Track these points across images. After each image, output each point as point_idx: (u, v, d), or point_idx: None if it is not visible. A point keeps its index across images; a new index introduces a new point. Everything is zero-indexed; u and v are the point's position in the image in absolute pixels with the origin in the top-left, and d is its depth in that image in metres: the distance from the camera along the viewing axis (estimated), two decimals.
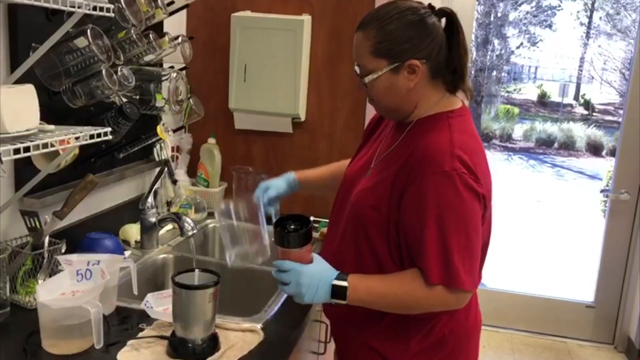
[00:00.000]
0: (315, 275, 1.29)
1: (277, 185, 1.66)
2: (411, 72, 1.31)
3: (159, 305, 1.45)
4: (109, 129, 1.37)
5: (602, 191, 5.81)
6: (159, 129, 1.90)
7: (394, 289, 1.31)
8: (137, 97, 1.84)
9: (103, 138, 1.36)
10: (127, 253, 1.83)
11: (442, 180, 1.25)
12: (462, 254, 1.26)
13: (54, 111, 1.60)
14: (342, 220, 1.46)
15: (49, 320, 1.24)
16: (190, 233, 1.70)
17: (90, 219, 1.85)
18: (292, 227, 1.32)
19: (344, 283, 1.29)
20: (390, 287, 1.31)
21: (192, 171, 2.42)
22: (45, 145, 1.17)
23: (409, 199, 1.29)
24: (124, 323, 1.41)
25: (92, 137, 1.32)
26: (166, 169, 2.12)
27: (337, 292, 1.29)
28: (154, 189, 1.90)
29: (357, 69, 1.37)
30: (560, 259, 5.54)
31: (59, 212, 1.51)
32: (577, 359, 3.20)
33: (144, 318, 1.42)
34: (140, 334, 1.34)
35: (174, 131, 2.11)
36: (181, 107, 1.89)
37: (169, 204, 2.17)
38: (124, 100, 1.77)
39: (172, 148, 2.36)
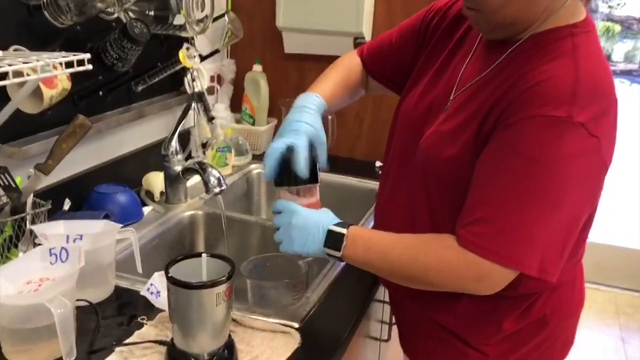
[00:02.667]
0: (311, 217, 0.99)
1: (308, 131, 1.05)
2: None
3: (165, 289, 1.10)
4: (86, 56, 0.99)
5: None
6: (182, 54, 1.50)
7: (399, 249, 0.97)
8: (152, 12, 1.44)
9: (77, 69, 0.98)
10: (147, 209, 1.50)
11: (547, 128, 0.86)
12: (531, 227, 0.88)
13: (35, 32, 1.23)
14: (411, 172, 1.08)
15: (7, 322, 0.91)
16: (216, 190, 1.32)
17: (104, 168, 1.51)
18: None
19: (342, 230, 0.98)
20: (397, 246, 0.97)
21: (236, 105, 2.03)
22: None
23: (493, 143, 0.91)
24: (120, 314, 1.07)
25: (55, 68, 0.93)
26: (199, 104, 1.75)
27: (332, 241, 0.98)
28: (178, 130, 1.52)
29: None
30: None
31: (42, 165, 1.17)
32: None
33: (148, 307, 1.08)
34: (135, 334, 1.00)
35: (205, 57, 1.70)
36: (204, 26, 1.47)
37: (204, 145, 1.80)
38: (132, 17, 1.37)
39: (212, 77, 1.97)
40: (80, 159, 1.44)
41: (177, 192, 1.54)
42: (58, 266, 0.97)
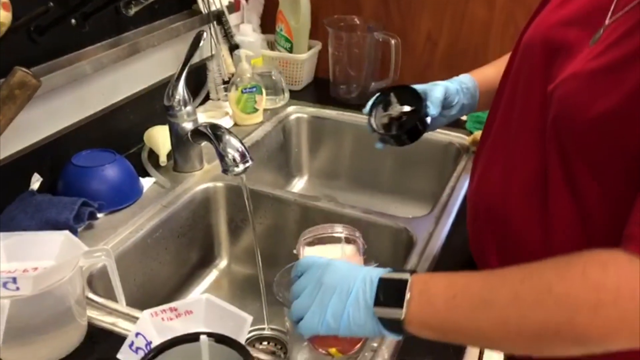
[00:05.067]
0: (353, 269, 0.64)
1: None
2: None
3: (163, 337, 0.73)
4: None
5: None
6: None
7: (513, 285, 0.55)
8: None
9: None
10: (149, 182, 1.10)
11: None
12: None
13: None
14: (537, 138, 0.68)
15: None
16: (237, 169, 0.91)
17: (88, 126, 1.11)
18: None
19: (401, 275, 0.61)
20: (505, 283, 0.56)
21: (268, 25, 1.56)
22: None
23: None
24: None
25: None
26: (217, 27, 1.30)
27: (388, 294, 0.60)
28: (187, 69, 1.09)
29: None
30: None
31: None
32: None
33: None
34: None
35: None
36: None
37: (226, 83, 1.37)
38: None
39: None
40: (53, 116, 1.04)
41: (188, 156, 1.14)
42: None
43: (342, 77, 1.47)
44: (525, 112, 0.71)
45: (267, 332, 1.05)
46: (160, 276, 1.04)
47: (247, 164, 0.91)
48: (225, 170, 0.92)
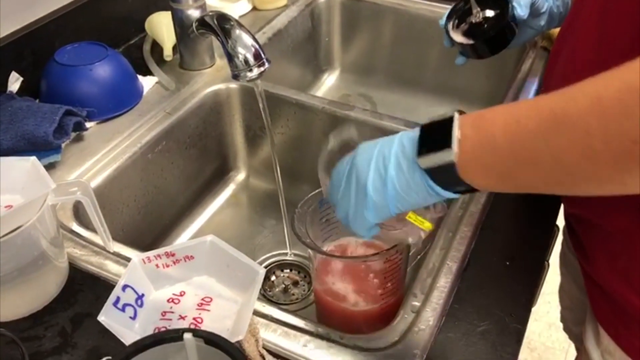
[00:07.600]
0: (387, 137, 0.53)
1: None
2: None
3: (159, 287, 0.60)
4: None
5: None
6: None
7: (594, 91, 0.40)
8: None
9: None
10: (150, 82, 0.93)
11: None
12: None
13: None
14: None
15: None
16: (249, 75, 0.72)
17: (75, 12, 0.92)
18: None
19: (447, 115, 0.49)
20: (585, 90, 0.41)
21: None
22: None
23: None
24: (69, 345, 0.58)
25: None
26: None
27: (431, 137, 0.49)
28: None
29: None
30: None
31: None
32: None
33: None
34: None
35: None
36: None
37: None
38: None
39: None
40: (33, 0, 0.86)
41: (196, 51, 0.95)
42: None
43: None
44: None
45: (289, 258, 0.93)
46: (167, 194, 0.90)
47: (263, 68, 0.72)
48: (235, 75, 0.73)
